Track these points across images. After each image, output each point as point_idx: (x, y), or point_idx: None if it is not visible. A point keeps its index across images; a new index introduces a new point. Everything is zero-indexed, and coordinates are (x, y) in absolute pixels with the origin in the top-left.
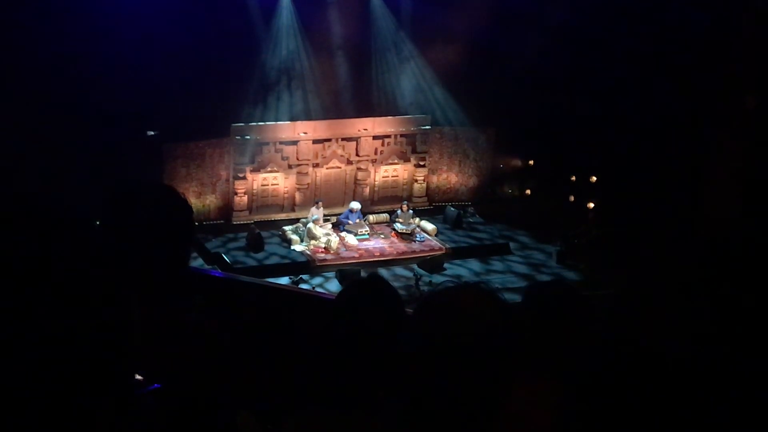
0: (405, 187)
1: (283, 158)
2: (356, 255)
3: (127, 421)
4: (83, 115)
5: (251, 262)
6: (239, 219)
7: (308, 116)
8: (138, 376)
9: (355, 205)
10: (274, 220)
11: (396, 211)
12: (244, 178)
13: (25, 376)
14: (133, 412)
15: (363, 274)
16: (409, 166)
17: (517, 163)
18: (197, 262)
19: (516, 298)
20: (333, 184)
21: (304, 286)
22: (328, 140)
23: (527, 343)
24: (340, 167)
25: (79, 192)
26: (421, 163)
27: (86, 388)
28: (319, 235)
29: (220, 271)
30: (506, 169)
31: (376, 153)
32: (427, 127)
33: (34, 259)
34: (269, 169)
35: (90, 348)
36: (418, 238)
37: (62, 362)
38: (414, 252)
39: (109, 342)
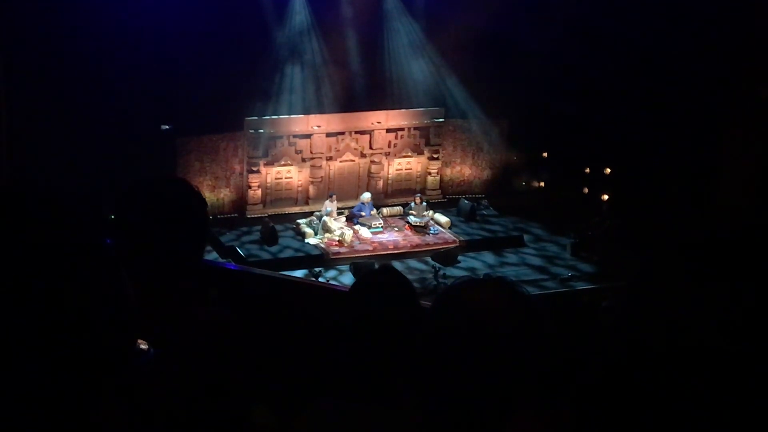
0: (418, 179)
1: (296, 151)
2: (370, 248)
3: (129, 389)
4: (97, 111)
5: (265, 256)
6: (253, 212)
7: (321, 109)
8: (142, 345)
9: (366, 196)
10: (288, 214)
11: (409, 203)
12: (258, 171)
13: (26, 350)
14: (135, 381)
15: (377, 266)
16: (423, 159)
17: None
18: (212, 256)
19: (532, 290)
20: (347, 178)
21: (320, 278)
22: (342, 133)
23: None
24: (353, 160)
25: (94, 186)
26: (435, 155)
27: (86, 360)
28: (334, 228)
29: (234, 264)
30: (520, 162)
31: (389, 146)
32: (441, 119)
33: (37, 242)
34: (283, 162)
35: (87, 320)
36: (431, 231)
37: (62, 335)
38: (428, 245)
39: (106, 313)
